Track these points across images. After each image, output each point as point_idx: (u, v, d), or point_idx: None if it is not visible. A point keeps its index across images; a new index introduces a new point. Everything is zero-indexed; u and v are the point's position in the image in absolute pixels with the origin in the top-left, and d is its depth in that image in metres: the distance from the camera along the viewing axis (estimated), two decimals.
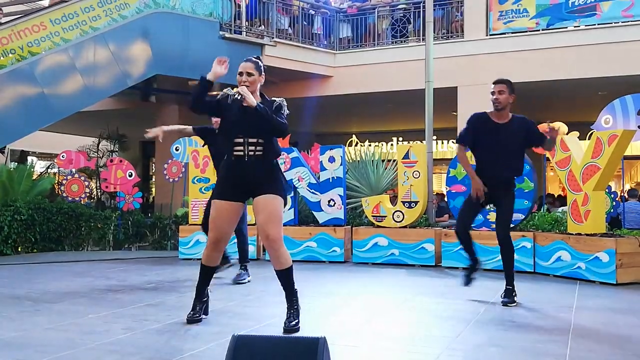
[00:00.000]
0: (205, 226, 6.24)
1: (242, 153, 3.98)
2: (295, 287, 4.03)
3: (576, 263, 6.34)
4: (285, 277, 3.98)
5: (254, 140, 3.98)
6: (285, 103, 4.12)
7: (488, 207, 5.96)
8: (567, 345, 3.68)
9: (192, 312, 4.21)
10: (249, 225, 6.42)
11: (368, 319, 4.48)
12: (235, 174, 4.03)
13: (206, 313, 4.33)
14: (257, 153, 3.99)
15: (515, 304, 4.94)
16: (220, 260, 4.29)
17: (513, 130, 5.02)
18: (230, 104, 4.07)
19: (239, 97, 3.96)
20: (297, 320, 3.95)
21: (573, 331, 4.05)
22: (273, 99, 4.10)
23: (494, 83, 5.08)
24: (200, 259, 4.21)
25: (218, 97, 4.16)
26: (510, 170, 5.07)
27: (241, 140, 3.98)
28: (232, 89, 4.11)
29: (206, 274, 4.20)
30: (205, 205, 6.40)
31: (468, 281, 5.22)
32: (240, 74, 4.05)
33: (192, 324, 4.13)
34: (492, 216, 7.14)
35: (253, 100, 3.94)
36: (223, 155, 4.16)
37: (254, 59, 4.17)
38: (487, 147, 5.03)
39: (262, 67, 4.16)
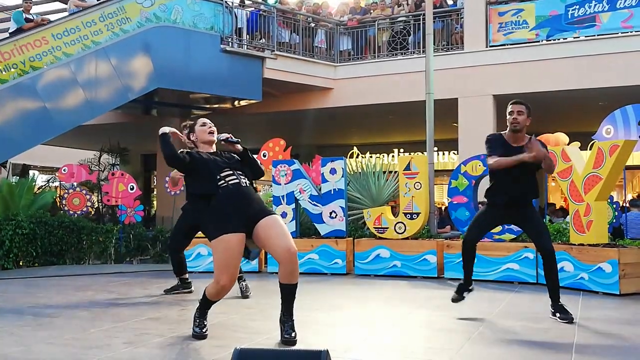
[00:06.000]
0: (172, 248, 6.31)
1: (237, 180, 4.08)
2: None
3: (579, 274, 6.32)
4: (294, 291, 4.02)
5: (240, 172, 4.16)
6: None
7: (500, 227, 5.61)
8: (571, 357, 3.66)
9: (199, 329, 4.14)
10: None
11: (370, 332, 4.47)
12: (236, 201, 4.00)
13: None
14: (247, 182, 4.15)
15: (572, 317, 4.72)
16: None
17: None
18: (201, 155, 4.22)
19: (223, 142, 4.20)
20: (295, 332, 3.97)
21: (577, 343, 4.03)
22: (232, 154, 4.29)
23: (512, 103, 4.85)
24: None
25: (185, 152, 4.23)
26: (530, 192, 4.85)
27: (230, 171, 4.11)
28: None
29: (210, 304, 4.17)
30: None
31: (459, 299, 5.04)
32: (204, 124, 4.43)
33: (199, 340, 4.06)
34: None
35: (239, 146, 4.21)
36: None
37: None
38: (506, 170, 4.75)
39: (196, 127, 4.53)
